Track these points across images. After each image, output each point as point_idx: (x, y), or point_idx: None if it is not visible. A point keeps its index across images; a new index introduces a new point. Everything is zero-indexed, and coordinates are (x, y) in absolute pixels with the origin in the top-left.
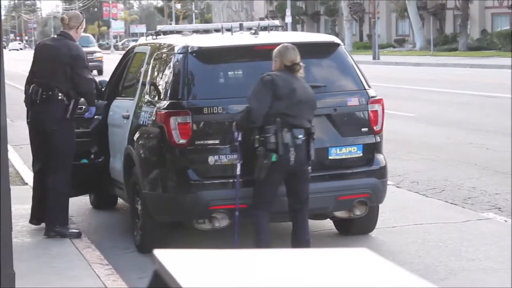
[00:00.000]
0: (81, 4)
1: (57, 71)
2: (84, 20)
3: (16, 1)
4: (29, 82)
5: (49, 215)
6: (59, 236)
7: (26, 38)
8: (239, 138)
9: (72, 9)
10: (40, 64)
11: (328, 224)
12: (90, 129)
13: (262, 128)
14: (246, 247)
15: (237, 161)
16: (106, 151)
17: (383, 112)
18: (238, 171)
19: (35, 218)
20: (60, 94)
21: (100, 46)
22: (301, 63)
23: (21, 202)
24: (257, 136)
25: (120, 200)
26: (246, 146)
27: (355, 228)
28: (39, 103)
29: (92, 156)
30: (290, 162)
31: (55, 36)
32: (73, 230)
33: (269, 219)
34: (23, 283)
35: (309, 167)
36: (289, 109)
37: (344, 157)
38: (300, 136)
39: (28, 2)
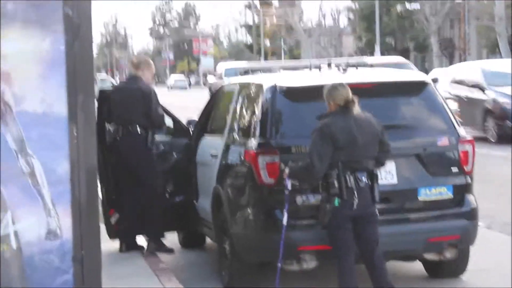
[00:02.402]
0: (171, 41)
1: (134, 110)
2: (151, 63)
3: (108, 39)
4: (108, 122)
5: (149, 234)
6: (156, 251)
7: (118, 74)
8: (289, 187)
9: (163, 46)
10: (118, 105)
11: (417, 267)
12: (165, 167)
13: (325, 173)
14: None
15: (285, 210)
16: (187, 189)
17: (473, 152)
18: (284, 221)
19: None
20: (138, 128)
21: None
22: (354, 99)
23: (108, 239)
24: (320, 182)
25: (208, 240)
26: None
27: (445, 270)
28: (120, 140)
29: (167, 195)
30: (353, 206)
31: (126, 80)
32: (167, 247)
33: (354, 261)
34: None
35: (376, 209)
36: (351, 156)
37: (433, 198)
38: (363, 178)
39: (120, 40)
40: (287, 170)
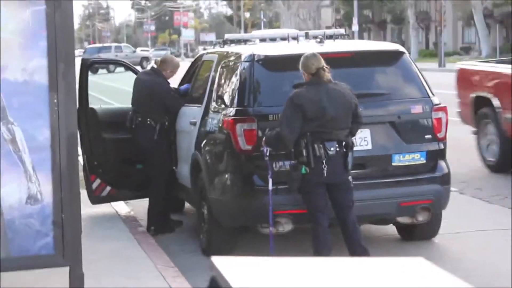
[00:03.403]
0: (152, 13)
1: (146, 102)
2: (175, 64)
3: (90, 10)
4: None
5: (148, 217)
6: (156, 233)
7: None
8: (268, 154)
9: (145, 19)
10: (135, 95)
11: (391, 230)
12: None
13: (295, 141)
14: (306, 253)
15: (269, 176)
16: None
17: (447, 119)
18: (270, 186)
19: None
20: (148, 120)
21: (170, 53)
22: (325, 66)
23: (91, 205)
24: (292, 150)
25: (187, 204)
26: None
27: (417, 233)
28: (134, 128)
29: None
30: (322, 174)
31: (148, 70)
32: (168, 228)
33: (327, 225)
34: (91, 284)
35: (349, 177)
36: (320, 127)
37: (407, 163)
38: (332, 149)
39: (102, 11)
40: (264, 139)
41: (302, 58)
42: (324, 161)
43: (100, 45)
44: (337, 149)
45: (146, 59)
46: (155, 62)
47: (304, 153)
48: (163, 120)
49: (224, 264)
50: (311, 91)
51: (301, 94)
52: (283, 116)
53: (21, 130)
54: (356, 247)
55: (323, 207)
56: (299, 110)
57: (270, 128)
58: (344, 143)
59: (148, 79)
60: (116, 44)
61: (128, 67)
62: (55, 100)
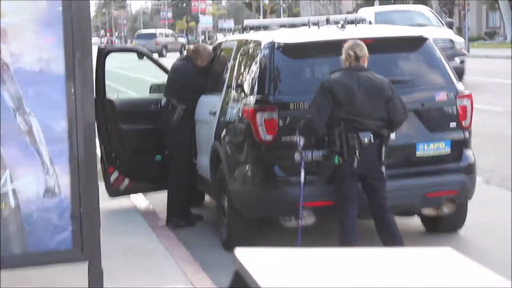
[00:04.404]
0: (170, 0)
1: (170, 85)
2: (206, 55)
3: None
4: None
5: (167, 208)
6: (176, 226)
7: (116, 34)
8: (301, 144)
9: (161, 6)
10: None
11: (415, 222)
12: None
13: (329, 130)
14: (332, 245)
15: (301, 167)
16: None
17: (472, 107)
18: (302, 178)
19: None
20: (170, 103)
21: (188, 41)
22: (351, 52)
23: (109, 198)
24: (326, 138)
25: (207, 197)
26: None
27: (443, 225)
28: (159, 113)
29: (167, 152)
30: (354, 165)
31: (183, 56)
32: (191, 218)
33: (356, 216)
34: (111, 280)
35: (383, 167)
36: (351, 114)
37: (432, 153)
38: (366, 139)
39: None
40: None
41: None
42: (357, 152)
43: (154, 30)
44: (372, 140)
45: (184, 46)
46: (187, 50)
47: (338, 143)
48: (183, 105)
49: (247, 256)
50: (343, 76)
51: (332, 78)
52: (313, 100)
53: (38, 121)
54: (395, 237)
55: (354, 198)
56: (328, 93)
57: (291, 116)
58: (378, 133)
59: (176, 63)
60: (165, 30)
61: (145, 55)
62: (72, 90)
